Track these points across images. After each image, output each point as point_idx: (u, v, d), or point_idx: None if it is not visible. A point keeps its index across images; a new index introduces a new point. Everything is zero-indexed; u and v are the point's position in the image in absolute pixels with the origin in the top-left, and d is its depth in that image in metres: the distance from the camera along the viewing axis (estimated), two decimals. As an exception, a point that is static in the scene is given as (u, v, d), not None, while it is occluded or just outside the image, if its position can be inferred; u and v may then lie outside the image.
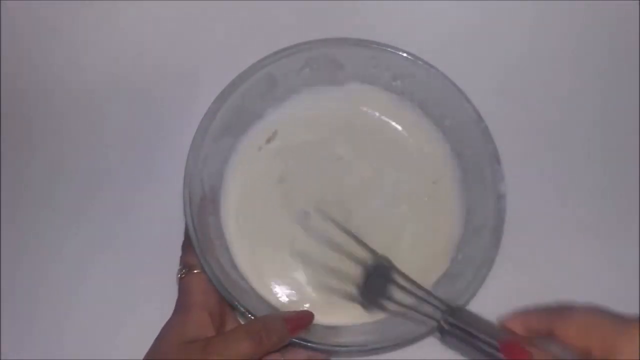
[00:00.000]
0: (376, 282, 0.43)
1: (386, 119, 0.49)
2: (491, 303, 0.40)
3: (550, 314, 0.38)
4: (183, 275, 0.41)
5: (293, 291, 0.45)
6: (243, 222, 0.46)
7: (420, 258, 0.46)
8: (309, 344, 0.40)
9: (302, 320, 0.40)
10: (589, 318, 0.36)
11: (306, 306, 0.44)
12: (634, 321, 0.35)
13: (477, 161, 0.46)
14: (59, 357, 0.45)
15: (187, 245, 0.42)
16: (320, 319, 0.42)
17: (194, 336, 0.38)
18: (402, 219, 0.47)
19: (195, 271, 0.41)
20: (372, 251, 0.43)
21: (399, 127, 0.49)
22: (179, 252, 0.43)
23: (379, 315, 0.44)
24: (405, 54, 0.46)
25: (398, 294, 0.42)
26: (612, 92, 0.53)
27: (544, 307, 0.39)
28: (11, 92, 0.53)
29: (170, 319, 0.40)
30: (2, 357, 0.46)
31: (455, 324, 0.39)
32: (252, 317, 0.40)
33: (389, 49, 0.46)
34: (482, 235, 0.44)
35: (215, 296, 0.41)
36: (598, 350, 0.35)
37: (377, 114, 0.49)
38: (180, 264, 0.42)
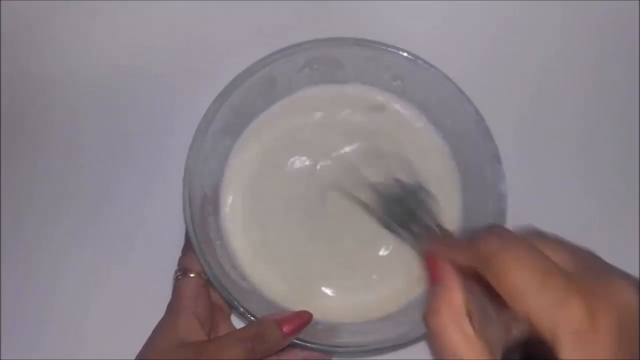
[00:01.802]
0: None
1: (386, 119, 0.49)
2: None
3: (477, 259, 0.28)
4: (178, 277, 0.41)
5: (294, 291, 0.45)
6: (243, 222, 0.46)
7: (420, 258, 0.46)
8: (308, 344, 0.40)
9: (299, 322, 0.40)
10: (530, 265, 0.26)
11: (306, 307, 0.44)
12: (583, 285, 0.26)
13: (477, 161, 0.45)
14: (59, 357, 0.45)
15: (187, 247, 0.42)
16: (320, 316, 0.42)
17: (185, 339, 0.38)
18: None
19: (191, 275, 0.41)
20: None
21: (399, 127, 0.49)
22: (179, 253, 0.43)
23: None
24: (405, 54, 0.46)
25: None
26: (613, 91, 0.53)
27: (473, 243, 0.29)
28: (11, 93, 0.53)
29: (162, 320, 0.40)
30: (2, 357, 0.46)
31: None
32: (252, 318, 0.40)
33: (389, 49, 0.46)
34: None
35: (205, 302, 0.41)
36: (531, 307, 0.26)
37: (376, 113, 0.49)
38: (178, 266, 0.42)
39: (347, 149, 0.48)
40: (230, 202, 0.47)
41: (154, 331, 0.40)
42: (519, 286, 0.26)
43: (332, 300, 0.45)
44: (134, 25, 0.54)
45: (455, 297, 0.29)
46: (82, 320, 0.47)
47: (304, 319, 0.40)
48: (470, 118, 0.45)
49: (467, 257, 0.29)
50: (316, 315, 0.41)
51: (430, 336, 0.29)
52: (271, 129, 0.48)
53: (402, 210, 0.43)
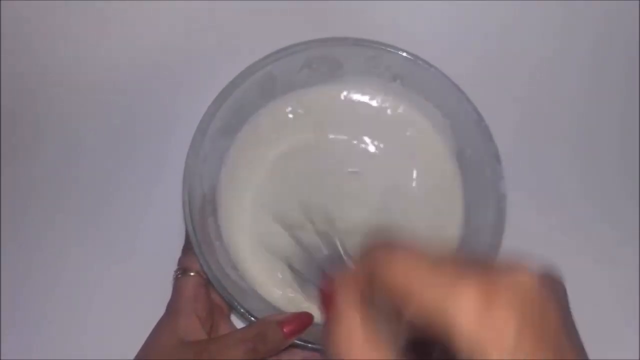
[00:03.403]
0: None
1: (386, 119, 0.49)
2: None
3: (371, 254, 0.27)
4: (178, 277, 0.41)
5: (294, 291, 0.45)
6: (242, 222, 0.46)
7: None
8: (308, 345, 0.40)
9: (300, 323, 0.40)
10: (412, 262, 0.25)
11: (306, 306, 0.44)
12: (474, 271, 0.23)
13: (477, 161, 0.45)
14: (59, 357, 0.45)
15: (187, 247, 0.42)
16: (319, 318, 0.42)
17: (185, 339, 0.38)
18: (401, 219, 0.47)
19: (191, 274, 0.41)
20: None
21: (398, 127, 0.49)
22: (179, 253, 0.43)
23: None
24: (405, 54, 0.46)
25: None
26: (612, 91, 0.53)
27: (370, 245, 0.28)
28: (11, 92, 0.53)
29: (161, 319, 0.40)
30: (2, 357, 0.46)
31: None
32: (252, 318, 0.40)
33: (389, 49, 0.46)
34: (482, 235, 0.44)
35: (205, 301, 0.41)
36: (420, 303, 0.23)
37: (376, 114, 0.49)
38: (178, 265, 0.42)
39: (345, 148, 0.48)
40: (230, 202, 0.47)
41: (153, 330, 0.40)
42: (407, 280, 0.24)
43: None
44: (133, 25, 0.54)
45: (354, 325, 0.26)
46: (82, 320, 0.47)
47: (305, 320, 0.40)
48: (470, 118, 0.45)
49: (361, 278, 0.27)
50: (316, 316, 0.41)
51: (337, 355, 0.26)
52: (270, 128, 0.48)
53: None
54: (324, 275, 0.35)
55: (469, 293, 0.22)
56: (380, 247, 0.27)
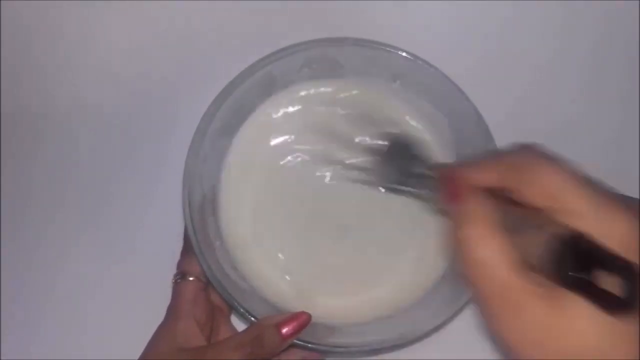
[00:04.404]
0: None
1: (386, 119, 0.49)
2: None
3: (507, 170, 0.28)
4: (178, 281, 0.41)
5: (294, 291, 0.45)
6: (242, 222, 0.46)
7: (420, 258, 0.46)
8: (308, 345, 0.40)
9: (297, 323, 0.40)
10: (566, 173, 0.26)
11: (304, 305, 0.44)
12: (621, 202, 0.25)
13: (477, 161, 0.45)
14: (59, 357, 0.45)
15: (186, 251, 0.42)
16: (320, 316, 0.42)
17: (184, 344, 0.38)
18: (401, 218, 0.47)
19: (190, 278, 0.41)
20: None
21: (398, 127, 0.49)
22: (179, 255, 0.43)
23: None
24: (405, 54, 0.46)
25: None
26: (612, 92, 0.53)
27: (500, 157, 0.29)
28: (11, 93, 0.53)
29: (161, 324, 0.40)
30: (2, 357, 0.46)
31: None
32: (252, 318, 0.40)
33: (388, 49, 0.46)
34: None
35: (204, 305, 0.41)
36: (569, 215, 0.25)
37: (377, 113, 0.49)
38: (177, 269, 0.42)
39: (343, 149, 0.48)
40: (230, 202, 0.47)
41: (153, 336, 0.40)
42: (561, 187, 0.25)
43: (332, 300, 0.45)
44: (134, 25, 0.54)
45: (486, 208, 0.27)
46: (82, 320, 0.47)
47: (302, 320, 0.40)
48: (470, 118, 0.45)
49: (490, 174, 0.28)
50: (316, 316, 0.41)
51: (463, 251, 0.27)
52: (268, 126, 0.48)
53: (405, 161, 0.42)
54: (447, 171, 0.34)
55: (626, 220, 0.24)
56: (528, 152, 0.27)
